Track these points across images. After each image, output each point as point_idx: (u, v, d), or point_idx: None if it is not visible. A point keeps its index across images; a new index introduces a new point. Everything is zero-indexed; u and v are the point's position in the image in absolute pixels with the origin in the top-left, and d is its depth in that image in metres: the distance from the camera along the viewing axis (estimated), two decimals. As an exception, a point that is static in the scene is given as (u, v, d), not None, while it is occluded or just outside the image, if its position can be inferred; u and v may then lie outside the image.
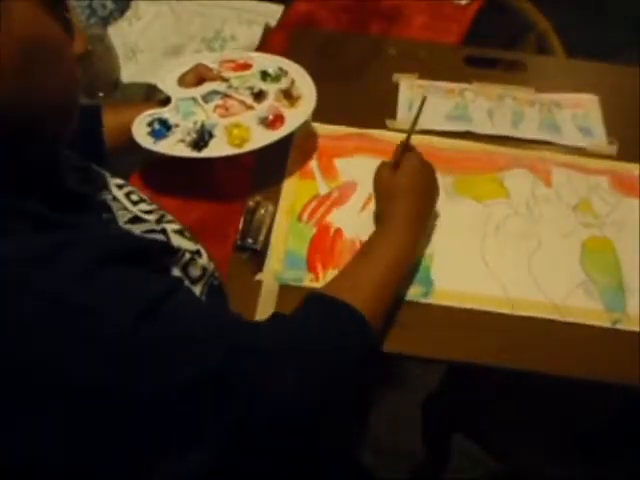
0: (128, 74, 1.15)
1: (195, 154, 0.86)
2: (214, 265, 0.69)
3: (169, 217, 0.70)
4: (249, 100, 0.91)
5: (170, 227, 0.68)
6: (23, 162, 0.53)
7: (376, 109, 1.01)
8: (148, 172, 0.94)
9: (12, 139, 0.51)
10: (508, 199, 0.91)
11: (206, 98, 0.91)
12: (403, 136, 0.84)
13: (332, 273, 0.82)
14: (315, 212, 0.89)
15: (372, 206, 0.88)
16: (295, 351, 0.59)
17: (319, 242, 0.86)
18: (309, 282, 0.82)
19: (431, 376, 1.15)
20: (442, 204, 0.88)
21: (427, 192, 0.82)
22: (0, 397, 0.46)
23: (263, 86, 0.93)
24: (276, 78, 0.94)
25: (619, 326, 0.80)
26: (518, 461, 1.03)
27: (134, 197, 0.70)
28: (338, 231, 0.87)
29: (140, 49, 1.20)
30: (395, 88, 1.05)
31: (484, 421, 1.04)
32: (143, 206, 0.69)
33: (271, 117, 0.89)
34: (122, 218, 0.64)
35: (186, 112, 0.90)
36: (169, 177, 0.94)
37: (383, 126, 0.99)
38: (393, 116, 1.01)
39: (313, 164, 0.94)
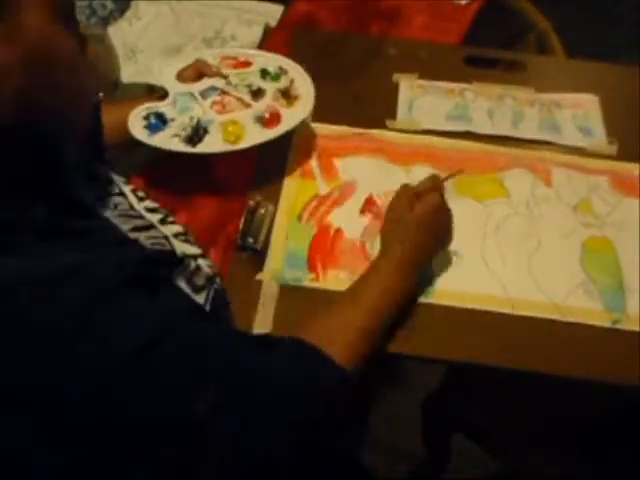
0: (128, 74, 1.15)
1: (189, 149, 0.86)
2: (216, 268, 0.69)
3: (171, 217, 0.70)
4: (247, 98, 0.91)
5: (171, 231, 0.68)
6: (29, 168, 0.53)
7: (376, 109, 1.01)
8: (149, 173, 0.94)
9: (24, 147, 0.51)
10: (508, 199, 0.91)
11: (204, 94, 0.91)
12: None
13: (332, 273, 0.82)
14: (315, 212, 0.89)
15: (374, 208, 0.88)
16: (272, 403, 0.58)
17: (319, 242, 0.86)
18: (309, 282, 0.82)
19: (431, 376, 1.15)
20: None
21: (437, 235, 0.79)
22: None
23: (262, 84, 0.93)
24: (275, 77, 0.94)
25: (619, 326, 0.80)
26: (518, 461, 1.03)
27: (140, 193, 0.70)
28: (338, 231, 0.87)
29: (140, 49, 1.20)
30: (395, 88, 1.05)
31: (484, 421, 1.04)
32: (147, 203, 0.69)
33: (267, 116, 0.89)
34: (126, 225, 0.63)
35: (183, 107, 0.90)
36: (169, 178, 0.94)
37: (383, 126, 0.99)
38: (393, 116, 1.01)
39: (313, 164, 0.94)
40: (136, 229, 0.64)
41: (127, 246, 0.60)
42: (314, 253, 0.85)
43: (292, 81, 0.94)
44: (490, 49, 1.14)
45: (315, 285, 0.82)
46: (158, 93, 0.94)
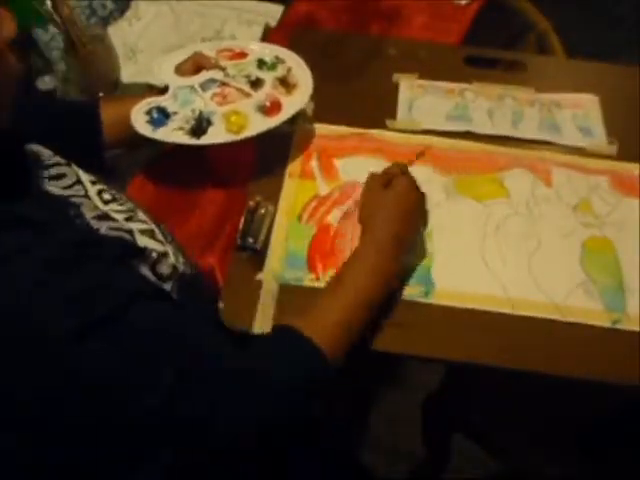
0: (128, 74, 1.15)
1: (194, 141, 0.86)
2: (189, 268, 0.70)
3: (140, 216, 0.71)
4: (246, 88, 0.91)
5: (138, 227, 0.68)
6: None
7: (376, 109, 1.01)
8: (149, 173, 0.94)
9: None
10: (508, 199, 0.91)
11: (204, 86, 0.91)
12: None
13: (332, 273, 0.82)
14: (315, 212, 0.89)
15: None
16: (245, 379, 0.59)
17: (319, 242, 0.86)
18: (309, 282, 0.82)
19: (431, 376, 1.15)
20: (442, 204, 0.88)
21: (411, 217, 0.80)
22: None
23: (260, 74, 0.93)
24: (272, 66, 0.95)
25: (619, 326, 0.79)
26: (518, 461, 1.03)
27: (106, 196, 0.70)
28: (338, 231, 0.87)
29: (140, 49, 1.20)
30: (395, 88, 1.05)
31: (484, 421, 1.04)
32: (114, 206, 0.69)
33: (268, 104, 0.90)
34: (90, 213, 0.64)
35: (184, 100, 0.90)
36: (170, 178, 0.94)
37: (383, 126, 0.99)
38: (393, 116, 1.01)
39: (313, 164, 0.94)
40: (97, 218, 0.64)
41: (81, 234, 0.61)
42: (314, 253, 0.85)
43: (289, 69, 0.94)
44: (490, 49, 1.14)
45: (315, 285, 0.82)
46: (156, 87, 0.94)
